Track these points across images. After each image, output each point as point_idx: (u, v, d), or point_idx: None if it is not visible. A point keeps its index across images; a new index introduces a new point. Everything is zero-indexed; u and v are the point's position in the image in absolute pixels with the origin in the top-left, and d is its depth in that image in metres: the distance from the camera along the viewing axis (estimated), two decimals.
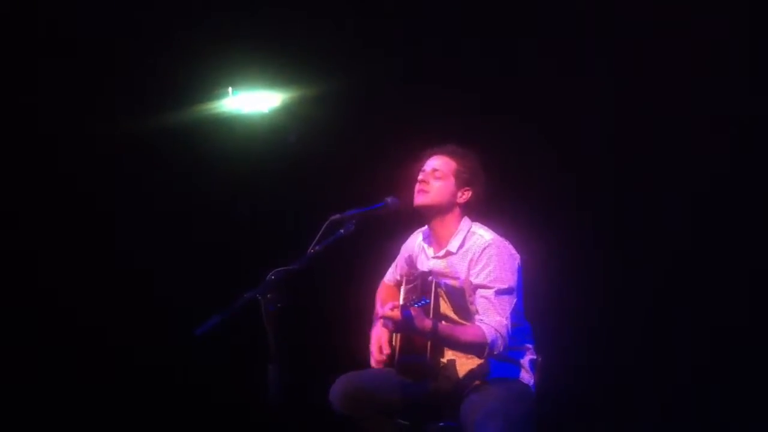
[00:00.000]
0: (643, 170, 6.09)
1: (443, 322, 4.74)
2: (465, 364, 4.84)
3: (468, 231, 4.86)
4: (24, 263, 6.70)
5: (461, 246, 4.84)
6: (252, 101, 6.58)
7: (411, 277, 4.99)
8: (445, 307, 4.86)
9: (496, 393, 4.76)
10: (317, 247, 4.51)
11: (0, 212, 6.64)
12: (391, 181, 4.76)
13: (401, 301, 4.86)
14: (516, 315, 4.80)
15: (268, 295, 4.34)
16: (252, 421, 6.16)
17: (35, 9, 6.36)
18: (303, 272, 4.42)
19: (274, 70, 6.54)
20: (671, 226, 6.03)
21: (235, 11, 6.42)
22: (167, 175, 6.69)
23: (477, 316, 4.73)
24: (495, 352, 4.70)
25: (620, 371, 6.14)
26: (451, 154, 4.90)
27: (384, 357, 4.85)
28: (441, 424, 4.87)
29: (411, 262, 5.12)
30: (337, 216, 4.59)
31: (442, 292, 4.85)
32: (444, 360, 4.83)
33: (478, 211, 4.94)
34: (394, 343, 4.87)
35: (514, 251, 4.84)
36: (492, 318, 4.68)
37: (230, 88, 6.50)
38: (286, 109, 6.57)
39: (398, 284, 5.19)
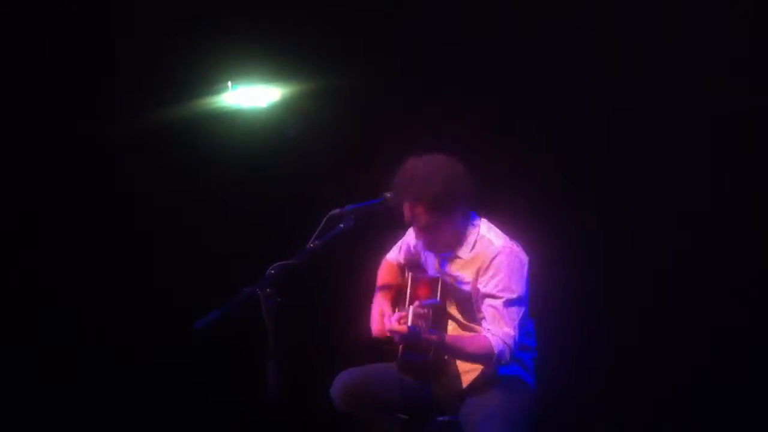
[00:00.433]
0: (644, 169, 6.09)
1: (449, 322, 4.78)
2: (466, 362, 4.86)
3: (477, 235, 4.81)
4: (22, 260, 6.72)
5: (470, 251, 4.80)
6: (251, 96, 6.57)
7: (418, 277, 4.99)
8: (452, 309, 4.87)
9: (497, 392, 4.80)
10: (316, 242, 4.55)
11: None
12: (391, 176, 4.72)
13: (407, 301, 4.92)
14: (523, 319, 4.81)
15: (268, 290, 4.37)
16: (251, 418, 6.17)
17: (33, 7, 6.41)
18: (302, 267, 4.45)
19: (273, 65, 6.54)
20: (671, 225, 6.03)
21: (235, 5, 6.44)
22: (166, 169, 6.69)
23: (484, 324, 4.74)
24: (502, 362, 4.73)
25: (620, 370, 6.16)
26: (416, 200, 4.68)
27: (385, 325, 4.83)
28: (440, 419, 4.90)
29: (416, 251, 5.12)
30: (337, 211, 4.62)
31: (450, 294, 4.85)
32: (446, 358, 4.85)
33: (478, 203, 4.90)
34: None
35: (523, 256, 4.81)
36: (500, 329, 4.69)
37: (230, 83, 6.49)
38: (285, 104, 6.57)
39: (400, 265, 5.22)
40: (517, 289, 4.71)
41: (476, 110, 6.17)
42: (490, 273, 4.71)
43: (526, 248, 4.87)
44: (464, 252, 4.80)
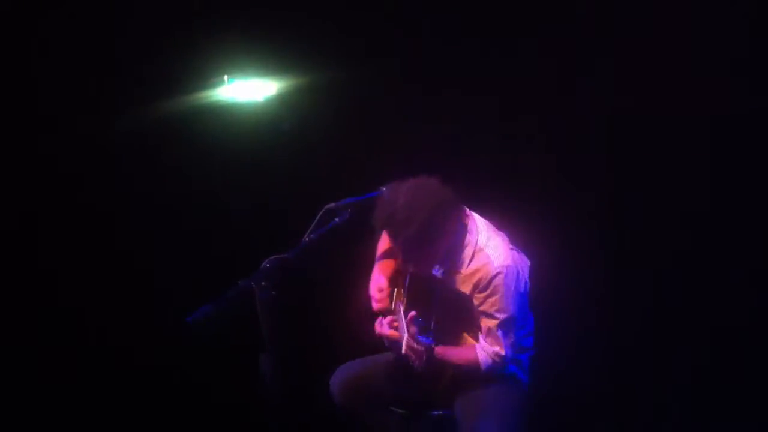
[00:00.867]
0: (644, 169, 6.10)
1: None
2: None
3: (475, 246, 4.76)
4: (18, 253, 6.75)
5: (468, 264, 4.76)
6: (247, 90, 6.58)
7: (414, 281, 4.98)
8: (448, 312, 4.88)
9: (491, 388, 4.85)
10: (312, 236, 4.55)
11: None
12: (387, 170, 4.74)
13: (404, 297, 4.94)
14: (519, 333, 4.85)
15: (263, 283, 4.37)
16: (248, 414, 6.19)
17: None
18: (297, 261, 4.45)
19: (269, 59, 6.54)
20: (671, 224, 6.04)
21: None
22: (161, 164, 6.68)
23: (480, 334, 4.78)
24: (491, 376, 4.80)
25: (619, 369, 6.17)
26: (395, 240, 4.68)
27: (384, 296, 4.89)
28: (435, 413, 4.92)
29: None
30: (332, 205, 4.63)
31: (446, 297, 4.86)
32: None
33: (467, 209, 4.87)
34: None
35: (523, 268, 4.81)
36: (491, 347, 4.76)
37: (226, 77, 6.51)
38: (282, 98, 6.58)
39: None
40: (514, 308, 4.73)
41: (475, 106, 6.19)
42: (487, 292, 4.71)
43: (526, 249, 4.88)
44: (461, 265, 4.77)
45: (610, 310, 6.16)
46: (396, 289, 5.04)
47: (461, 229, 4.73)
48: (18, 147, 6.61)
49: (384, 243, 5.20)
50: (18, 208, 6.66)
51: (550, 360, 5.17)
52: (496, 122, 6.19)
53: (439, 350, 4.70)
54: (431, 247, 4.63)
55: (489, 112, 6.22)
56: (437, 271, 4.85)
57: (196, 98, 6.60)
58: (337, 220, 4.61)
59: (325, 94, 6.49)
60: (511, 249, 4.79)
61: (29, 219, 6.69)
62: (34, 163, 6.62)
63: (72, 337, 6.71)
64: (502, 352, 4.72)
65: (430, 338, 4.53)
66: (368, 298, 5.06)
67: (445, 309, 4.83)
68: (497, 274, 4.67)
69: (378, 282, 5.04)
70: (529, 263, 4.83)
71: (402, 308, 4.87)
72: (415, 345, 4.50)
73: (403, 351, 4.55)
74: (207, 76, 6.57)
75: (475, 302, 4.72)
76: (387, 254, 5.17)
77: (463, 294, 4.76)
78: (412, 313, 4.62)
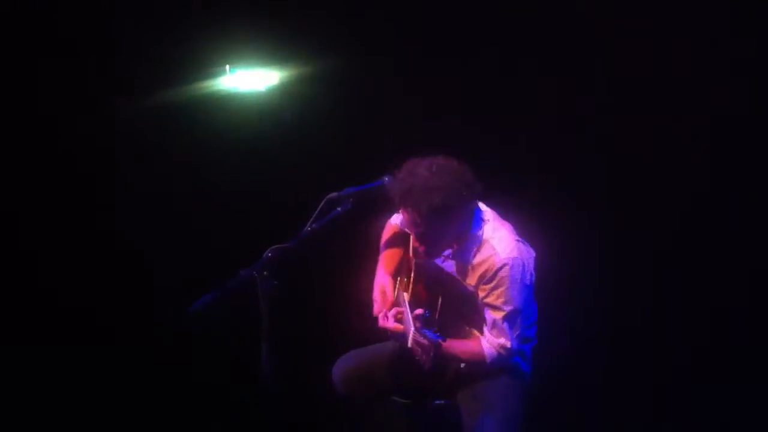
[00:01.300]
0: (644, 169, 6.14)
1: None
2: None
3: (482, 238, 4.73)
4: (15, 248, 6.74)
5: (474, 256, 4.73)
6: (249, 80, 6.60)
7: (421, 266, 4.95)
8: (452, 304, 4.86)
9: (494, 382, 4.83)
10: (314, 225, 4.54)
11: None
12: (389, 160, 4.72)
13: (410, 290, 4.93)
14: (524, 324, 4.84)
15: (264, 273, 4.37)
16: (246, 401, 6.18)
17: None
18: (299, 250, 4.45)
19: (271, 49, 6.57)
20: (671, 224, 6.07)
21: None
22: (163, 153, 6.70)
23: (484, 326, 4.77)
24: (496, 368, 4.78)
25: (618, 361, 6.21)
26: (415, 211, 4.58)
27: (387, 304, 4.85)
28: (437, 402, 4.93)
29: None
30: (335, 194, 4.61)
31: (451, 288, 4.83)
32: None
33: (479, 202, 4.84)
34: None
35: (528, 260, 4.77)
36: (496, 339, 4.73)
37: (228, 67, 6.52)
38: (283, 88, 6.59)
39: (403, 230, 5.10)
40: (519, 300, 4.70)
41: (477, 97, 6.23)
42: (492, 284, 4.68)
43: (532, 240, 4.89)
44: (468, 257, 4.74)
45: (610, 302, 6.21)
46: (399, 279, 5.03)
47: (472, 216, 4.72)
48: (16, 137, 6.63)
49: (387, 234, 5.20)
50: (13, 193, 6.68)
51: (551, 350, 5.18)
52: (496, 116, 6.23)
53: (445, 344, 4.66)
54: (448, 224, 4.60)
55: (489, 105, 6.26)
56: (441, 261, 4.85)
57: (198, 88, 6.63)
58: (339, 209, 4.59)
59: (327, 83, 6.52)
60: (517, 240, 4.77)
61: (25, 207, 6.70)
62: (34, 153, 6.64)
63: (69, 328, 6.71)
64: (508, 344, 4.71)
65: (437, 333, 4.49)
66: (370, 299, 5.04)
67: (449, 300, 4.80)
68: (503, 265, 4.65)
69: (381, 283, 5.02)
70: (534, 254, 4.81)
71: (406, 298, 4.85)
72: (421, 339, 4.47)
73: (409, 345, 4.52)
74: (209, 66, 6.60)
75: (481, 294, 4.71)
76: (390, 245, 5.15)
77: (468, 285, 4.75)
78: (418, 310, 4.59)
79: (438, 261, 4.87)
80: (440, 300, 4.77)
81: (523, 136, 6.24)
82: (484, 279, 4.68)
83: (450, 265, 4.83)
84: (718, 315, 6.02)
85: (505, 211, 4.92)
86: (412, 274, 4.95)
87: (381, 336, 4.89)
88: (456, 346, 4.77)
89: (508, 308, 4.67)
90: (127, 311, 6.67)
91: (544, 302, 5.07)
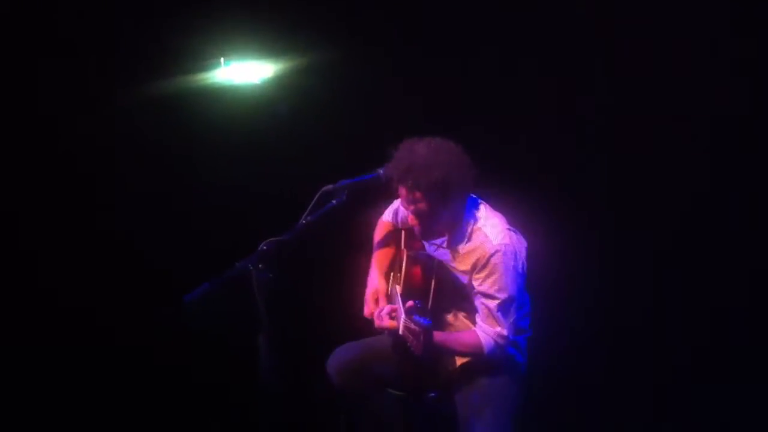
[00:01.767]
0: (644, 169, 6.14)
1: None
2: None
3: (474, 225, 4.77)
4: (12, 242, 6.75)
5: (466, 243, 4.76)
6: (244, 72, 6.62)
7: (414, 256, 4.96)
8: (446, 295, 4.88)
9: (490, 374, 4.84)
10: (309, 218, 4.58)
11: None
12: (384, 152, 4.73)
13: (401, 282, 4.93)
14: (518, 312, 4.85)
15: (260, 265, 4.40)
16: (245, 400, 6.18)
17: None
18: (294, 243, 4.48)
19: (266, 41, 6.58)
20: (671, 224, 6.08)
21: None
22: (157, 146, 6.70)
23: (478, 318, 4.78)
24: (493, 359, 4.78)
25: (616, 352, 6.22)
26: (413, 187, 4.61)
27: (379, 310, 4.86)
28: (432, 394, 4.94)
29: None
30: (329, 186, 4.65)
31: (445, 279, 4.85)
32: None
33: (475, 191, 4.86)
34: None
35: (520, 248, 4.79)
36: (491, 328, 4.74)
37: (222, 59, 6.54)
38: (278, 81, 6.61)
39: (395, 226, 5.18)
40: (513, 288, 4.71)
41: (475, 90, 6.26)
42: (485, 272, 4.69)
43: (532, 240, 4.90)
44: (460, 244, 4.77)
45: (610, 302, 6.21)
46: (393, 274, 5.05)
47: (465, 203, 4.76)
48: (7, 131, 6.64)
49: (380, 233, 5.23)
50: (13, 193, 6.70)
51: (552, 350, 5.19)
52: (496, 116, 6.24)
53: (440, 336, 4.70)
54: (446, 201, 4.63)
55: (489, 105, 6.28)
56: (434, 251, 4.87)
57: (192, 80, 6.64)
58: (334, 202, 4.63)
59: (323, 76, 6.53)
60: (509, 229, 4.79)
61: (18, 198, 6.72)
62: (25, 145, 6.64)
63: (69, 328, 6.71)
64: (504, 332, 4.71)
65: (428, 318, 4.51)
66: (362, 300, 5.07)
67: (442, 289, 4.83)
68: (495, 252, 4.67)
69: (375, 288, 5.03)
70: (526, 244, 4.83)
71: (399, 291, 4.87)
72: (412, 325, 4.49)
73: (400, 332, 4.55)
74: (203, 58, 6.62)
75: (474, 283, 4.72)
76: (383, 244, 5.19)
77: (461, 275, 4.78)
78: (410, 303, 4.60)
79: (431, 250, 4.89)
80: (432, 290, 4.80)
81: (523, 136, 6.24)
82: (477, 267, 4.70)
83: (442, 254, 4.84)
84: (718, 315, 6.02)
85: (505, 211, 4.93)
86: (404, 267, 4.96)
87: (376, 331, 4.90)
88: (452, 338, 4.80)
89: (502, 296, 4.68)
90: (126, 311, 6.67)
91: (544, 302, 5.12)
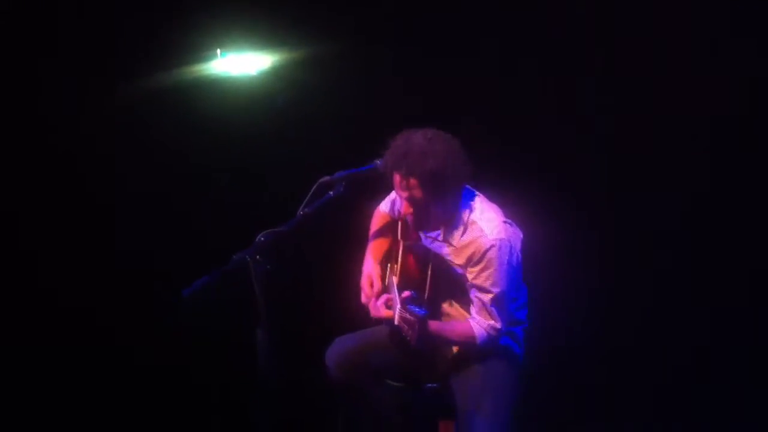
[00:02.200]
0: (643, 169, 6.16)
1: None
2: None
3: (469, 218, 4.75)
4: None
5: (461, 236, 4.75)
6: (241, 63, 6.62)
7: (410, 247, 4.97)
8: (441, 287, 4.89)
9: (487, 366, 4.85)
10: (306, 210, 4.57)
11: None
12: (381, 143, 4.72)
13: (398, 274, 4.95)
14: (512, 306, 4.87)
15: (257, 257, 4.39)
16: (242, 388, 6.17)
17: None
18: (292, 234, 4.48)
19: (263, 32, 6.58)
20: (671, 224, 6.08)
21: None
22: (153, 138, 6.70)
23: (472, 310, 4.79)
24: (486, 350, 4.80)
25: (613, 346, 6.22)
26: (409, 176, 4.60)
27: (375, 293, 4.88)
28: (429, 385, 4.95)
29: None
30: (327, 178, 4.64)
31: (439, 271, 4.85)
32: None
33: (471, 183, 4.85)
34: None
35: (516, 242, 4.80)
36: (485, 320, 4.76)
37: (219, 50, 6.55)
38: (276, 72, 6.63)
39: (392, 216, 5.18)
40: (507, 282, 4.73)
41: (474, 85, 6.26)
42: (480, 266, 4.70)
43: (532, 240, 4.91)
44: (455, 237, 4.76)
45: (610, 302, 6.21)
46: (390, 264, 5.06)
47: (461, 195, 4.76)
48: (5, 125, 6.65)
49: (376, 224, 5.23)
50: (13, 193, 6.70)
51: (552, 349, 5.18)
52: (496, 116, 6.26)
53: (434, 325, 4.71)
54: (440, 191, 4.63)
55: (489, 104, 6.29)
56: (430, 243, 4.87)
57: (189, 72, 6.64)
58: (331, 193, 4.62)
59: (320, 67, 6.53)
60: (504, 222, 4.79)
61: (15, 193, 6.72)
62: (23, 139, 6.64)
63: (69, 328, 6.70)
64: (498, 325, 4.73)
65: (424, 309, 4.52)
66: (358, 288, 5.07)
67: (438, 281, 4.84)
68: (491, 247, 4.67)
69: (369, 273, 5.04)
70: (521, 236, 4.84)
71: (395, 281, 4.89)
72: (407, 315, 4.51)
73: (395, 322, 4.57)
74: (200, 50, 6.63)
75: (469, 276, 4.73)
76: (379, 234, 5.19)
77: (456, 267, 4.78)
78: (406, 293, 4.62)
79: (426, 243, 4.89)
80: (429, 281, 4.81)
81: (523, 136, 6.25)
82: (472, 261, 4.71)
83: (438, 247, 4.84)
84: (718, 315, 6.03)
85: (505, 211, 4.93)
86: (400, 257, 4.98)
87: (374, 321, 4.92)
88: (447, 328, 4.82)
89: (495, 290, 4.69)
90: (116, 299, 6.66)
91: (544, 301, 5.18)
